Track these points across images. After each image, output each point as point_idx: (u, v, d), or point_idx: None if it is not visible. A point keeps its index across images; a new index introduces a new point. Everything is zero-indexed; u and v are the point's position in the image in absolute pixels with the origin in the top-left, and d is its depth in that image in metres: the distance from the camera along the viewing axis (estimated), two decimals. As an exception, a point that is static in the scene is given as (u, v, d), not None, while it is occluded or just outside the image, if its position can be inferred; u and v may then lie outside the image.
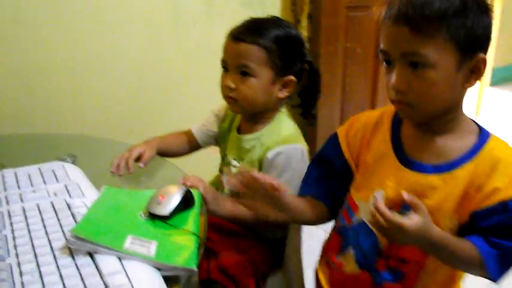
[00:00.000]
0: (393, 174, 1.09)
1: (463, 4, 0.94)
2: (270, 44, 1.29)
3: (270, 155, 1.31)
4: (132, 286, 0.78)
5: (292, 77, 1.34)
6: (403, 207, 0.97)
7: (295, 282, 1.45)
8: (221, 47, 1.35)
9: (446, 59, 0.95)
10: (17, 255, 0.86)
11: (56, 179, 1.18)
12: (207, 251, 1.31)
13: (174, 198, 1.01)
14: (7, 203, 1.06)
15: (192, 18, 2.17)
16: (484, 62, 0.98)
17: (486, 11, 0.98)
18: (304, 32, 2.26)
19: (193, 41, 2.19)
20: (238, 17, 1.37)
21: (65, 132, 1.86)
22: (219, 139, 1.51)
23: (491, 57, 4.08)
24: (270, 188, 1.03)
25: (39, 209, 1.03)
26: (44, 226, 0.96)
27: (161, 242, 0.91)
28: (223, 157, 1.47)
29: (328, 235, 1.27)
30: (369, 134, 1.16)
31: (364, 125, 1.18)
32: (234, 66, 1.31)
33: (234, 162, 1.41)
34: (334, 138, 1.23)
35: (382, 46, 1.01)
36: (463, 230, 1.05)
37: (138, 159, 1.33)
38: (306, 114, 1.48)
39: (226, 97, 1.35)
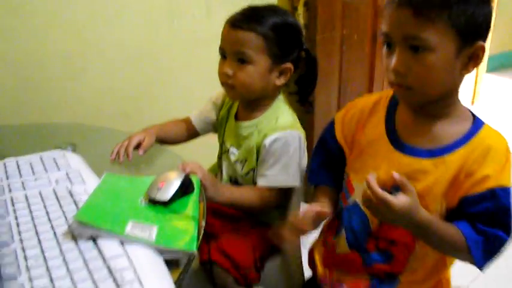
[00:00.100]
0: (386, 157, 1.12)
1: None
2: (268, 31, 1.30)
3: (267, 141, 1.33)
4: (134, 269, 0.80)
5: (289, 65, 1.36)
6: (394, 188, 1.00)
7: (293, 267, 1.47)
8: (219, 36, 1.36)
9: (446, 44, 0.97)
10: (21, 240, 0.88)
11: (57, 167, 1.20)
12: (207, 235, 1.33)
13: (174, 184, 1.03)
14: (10, 190, 1.08)
15: (190, 7, 2.17)
16: (483, 49, 1.01)
17: (487, 0, 1.00)
18: (300, 20, 2.26)
19: (190, 30, 2.19)
20: (236, 6, 1.38)
21: (64, 122, 1.87)
22: (217, 126, 1.52)
23: (488, 44, 4.09)
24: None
25: (41, 196, 1.04)
26: (47, 213, 0.98)
27: (161, 227, 0.93)
28: (222, 144, 1.49)
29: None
30: (365, 117, 1.19)
31: (361, 109, 1.21)
32: (231, 54, 1.32)
33: (232, 149, 1.43)
34: (331, 123, 1.26)
35: (384, 29, 1.03)
36: (452, 215, 1.07)
37: (137, 146, 1.35)
38: (303, 102, 1.49)
39: (224, 84, 1.36)
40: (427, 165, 1.07)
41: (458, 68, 1.01)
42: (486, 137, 1.06)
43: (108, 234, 0.88)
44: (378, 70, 2.64)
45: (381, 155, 1.13)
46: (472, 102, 4.17)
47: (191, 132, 1.55)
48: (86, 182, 1.12)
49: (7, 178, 1.14)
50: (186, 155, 1.36)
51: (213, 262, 1.28)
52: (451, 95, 1.07)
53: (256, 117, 1.40)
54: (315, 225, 1.16)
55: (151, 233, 0.91)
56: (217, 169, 1.51)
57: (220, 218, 1.40)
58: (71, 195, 1.05)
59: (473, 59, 1.01)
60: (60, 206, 1.00)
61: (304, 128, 1.39)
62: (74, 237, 0.88)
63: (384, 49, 1.04)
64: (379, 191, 0.96)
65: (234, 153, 1.42)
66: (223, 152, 1.47)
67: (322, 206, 1.19)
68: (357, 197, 1.17)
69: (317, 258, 1.29)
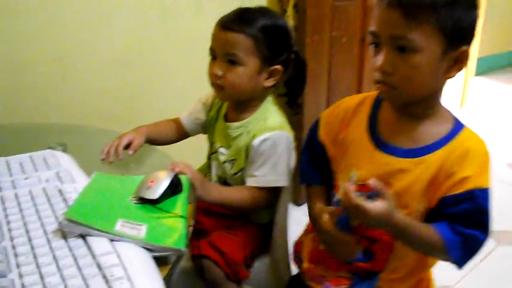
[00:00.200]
0: (367, 156, 1.14)
1: None
2: (258, 33, 1.32)
3: (256, 142, 1.34)
4: (124, 266, 0.81)
5: (278, 66, 1.37)
6: (374, 193, 1.03)
7: (282, 267, 1.49)
8: (209, 36, 1.37)
9: (432, 47, 0.99)
10: (11, 238, 0.89)
11: (48, 166, 1.21)
12: (198, 231, 1.36)
13: (163, 183, 1.04)
14: (0, 189, 1.08)
15: (180, 7, 2.18)
16: (467, 54, 1.03)
17: (474, 7, 1.03)
18: (290, 22, 2.28)
19: (181, 31, 2.21)
20: (226, 6, 1.39)
21: (54, 122, 1.88)
22: (206, 127, 1.54)
23: (476, 47, 4.14)
24: None
25: (31, 195, 1.05)
26: (37, 211, 0.98)
27: (151, 225, 0.94)
28: (211, 145, 1.50)
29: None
30: (349, 117, 1.21)
31: (345, 108, 1.23)
32: (221, 55, 1.34)
33: (222, 150, 1.44)
34: (316, 122, 1.28)
35: (372, 28, 1.05)
36: (432, 215, 1.09)
37: (127, 146, 1.35)
38: (291, 103, 1.51)
39: (214, 84, 1.37)
40: (407, 165, 1.09)
41: (443, 71, 1.04)
42: (466, 139, 1.08)
43: (97, 232, 0.89)
44: (366, 72, 2.67)
45: (363, 154, 1.15)
46: (461, 105, 4.21)
47: (181, 133, 1.55)
48: (76, 181, 1.13)
49: (-3, 177, 1.15)
50: (175, 155, 1.37)
51: (205, 256, 1.30)
52: (434, 96, 1.10)
53: (246, 118, 1.41)
54: None
55: (141, 231, 0.92)
56: (206, 169, 1.53)
57: (211, 216, 1.41)
58: (61, 193, 1.05)
59: (457, 63, 1.04)
60: (50, 205, 1.01)
61: (293, 129, 1.41)
62: (64, 235, 0.89)
63: (371, 48, 1.06)
64: (355, 198, 0.99)
65: (224, 153, 1.43)
66: (212, 153, 1.48)
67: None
68: (341, 194, 1.19)
69: (304, 253, 1.31)
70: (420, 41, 0.98)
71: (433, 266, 1.22)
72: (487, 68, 5.17)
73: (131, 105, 2.15)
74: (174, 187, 1.07)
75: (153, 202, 1.02)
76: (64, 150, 1.33)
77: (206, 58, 1.39)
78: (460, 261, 1.08)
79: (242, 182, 1.39)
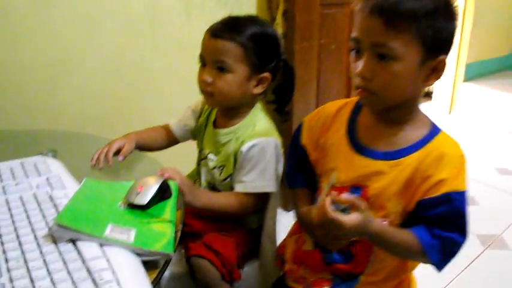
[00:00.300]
0: (346, 160, 1.17)
1: (434, 8, 1.02)
2: (247, 41, 1.33)
3: (244, 148, 1.36)
4: (113, 270, 0.83)
5: (267, 74, 1.39)
6: (351, 191, 1.09)
7: (269, 271, 1.50)
8: (198, 43, 1.38)
9: (411, 55, 1.02)
10: (2, 243, 0.90)
11: (38, 172, 1.22)
12: (191, 233, 1.38)
13: (152, 189, 1.06)
14: (-10, 195, 1.09)
15: (170, 15, 2.19)
16: (444, 63, 1.06)
17: (453, 18, 1.06)
18: (279, 29, 2.29)
19: (170, 38, 2.22)
20: (215, 14, 1.41)
21: (45, 128, 1.88)
22: (196, 133, 1.55)
23: (465, 53, 4.18)
24: None
25: (22, 201, 1.06)
26: (28, 216, 1.00)
27: (140, 230, 0.96)
28: (200, 151, 1.52)
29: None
30: (329, 121, 1.24)
31: (327, 113, 1.26)
32: (211, 62, 1.35)
33: (211, 156, 1.45)
34: (299, 127, 1.31)
35: (354, 34, 1.07)
36: (411, 218, 1.12)
37: (117, 152, 1.36)
38: (280, 111, 1.53)
39: (203, 91, 1.39)
40: (384, 167, 1.12)
41: (421, 79, 1.07)
42: (441, 143, 1.11)
43: (87, 237, 0.90)
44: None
45: (342, 158, 1.18)
46: (450, 110, 4.24)
47: (170, 139, 1.57)
48: (66, 187, 1.14)
49: (-12, 183, 1.16)
50: (165, 161, 1.38)
51: (201, 257, 1.31)
52: (412, 102, 1.13)
53: (234, 124, 1.42)
54: None
55: (130, 235, 0.93)
56: (196, 175, 1.54)
57: (203, 219, 1.43)
58: (52, 199, 1.07)
59: (435, 72, 1.07)
60: (41, 210, 1.02)
61: (282, 136, 1.43)
62: (54, 240, 0.91)
63: (352, 53, 1.09)
64: (330, 212, 1.01)
65: (213, 159, 1.45)
66: (201, 159, 1.50)
67: None
68: (322, 197, 1.22)
69: (287, 254, 1.33)
70: (400, 49, 1.01)
71: (414, 268, 1.24)
72: (475, 73, 5.22)
73: (121, 111, 2.16)
74: (163, 193, 1.09)
75: (142, 207, 1.04)
76: (55, 156, 1.34)
77: (196, 65, 1.40)
78: (439, 263, 1.11)
79: (231, 188, 1.41)
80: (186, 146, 1.60)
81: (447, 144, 1.12)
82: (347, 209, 1.03)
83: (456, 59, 4.08)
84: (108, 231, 0.93)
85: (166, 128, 1.57)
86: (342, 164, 1.18)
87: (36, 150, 1.36)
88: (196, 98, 1.52)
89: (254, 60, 1.35)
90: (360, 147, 1.17)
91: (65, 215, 0.95)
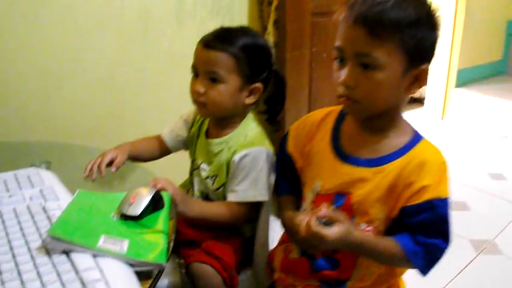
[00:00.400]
0: (329, 167, 1.19)
1: (417, 18, 1.03)
2: (239, 52, 1.34)
3: (236, 157, 1.37)
4: (106, 281, 0.84)
5: (259, 84, 1.40)
6: (335, 198, 1.11)
7: (262, 280, 1.51)
8: (191, 53, 1.39)
9: (394, 64, 1.04)
10: (-4, 255, 0.91)
11: (32, 184, 1.23)
12: (188, 242, 1.38)
13: (145, 200, 1.07)
14: (-16, 208, 1.10)
15: (162, 25, 2.21)
16: (426, 72, 1.08)
17: (436, 28, 1.08)
18: (270, 38, 2.31)
19: (163, 48, 2.24)
20: (207, 24, 1.42)
21: (38, 139, 1.89)
22: (188, 144, 1.56)
23: (457, 59, 4.21)
24: None
25: (15, 213, 1.07)
26: (21, 228, 1.01)
27: (133, 240, 0.97)
28: (193, 161, 1.52)
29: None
30: (314, 129, 1.26)
31: (312, 121, 1.28)
32: (203, 72, 1.36)
33: (203, 166, 1.46)
34: (285, 135, 1.33)
35: (338, 43, 1.09)
36: (395, 225, 1.14)
37: (110, 163, 1.37)
38: (271, 121, 1.54)
39: (196, 101, 1.40)
40: (367, 174, 1.14)
41: (403, 87, 1.08)
42: (423, 150, 1.13)
43: (81, 248, 0.91)
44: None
45: (325, 165, 1.20)
46: (442, 116, 4.26)
47: (163, 150, 1.57)
48: (60, 199, 1.15)
49: (-18, 195, 1.17)
50: (158, 172, 1.39)
51: (202, 263, 1.32)
52: (395, 111, 1.15)
53: (227, 134, 1.43)
54: None
55: (123, 246, 0.94)
56: (189, 185, 1.55)
57: (200, 228, 1.44)
58: (45, 211, 1.08)
59: (418, 81, 1.09)
60: (34, 222, 1.03)
61: (273, 145, 1.43)
62: (48, 251, 0.91)
63: (336, 62, 1.10)
64: (313, 226, 1.03)
65: (205, 169, 1.46)
66: (194, 169, 1.51)
67: None
68: (307, 205, 1.24)
69: (276, 262, 1.34)
70: (383, 58, 1.02)
71: (402, 273, 1.26)
72: (467, 79, 5.25)
73: (114, 122, 2.17)
74: (156, 203, 1.10)
75: (135, 218, 1.05)
76: (48, 168, 1.35)
77: (188, 75, 1.41)
78: (423, 269, 1.13)
79: (224, 197, 1.41)
80: (178, 156, 1.61)
81: (428, 151, 1.14)
82: (328, 221, 1.05)
83: (448, 65, 4.10)
84: (101, 242, 0.94)
85: (159, 139, 1.57)
86: (326, 172, 1.19)
87: (29, 162, 1.36)
88: (188, 108, 1.53)
89: (246, 70, 1.36)
90: (343, 155, 1.18)
91: (58, 227, 0.96)
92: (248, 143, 1.39)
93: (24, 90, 1.93)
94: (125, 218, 1.05)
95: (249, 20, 2.39)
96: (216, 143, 1.44)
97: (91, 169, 1.34)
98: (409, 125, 1.18)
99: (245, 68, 1.36)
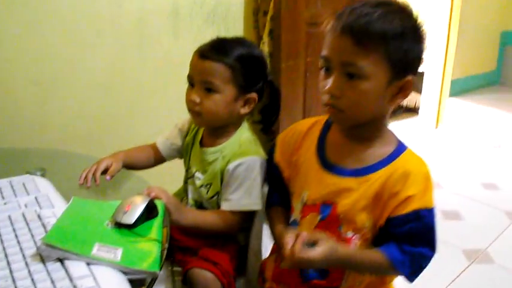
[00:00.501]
0: (315, 177, 1.20)
1: (402, 30, 1.05)
2: (234, 62, 1.35)
3: (231, 166, 1.38)
4: (100, 288, 0.85)
5: (254, 95, 1.41)
6: (321, 208, 1.14)
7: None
8: (186, 62, 1.40)
9: (379, 75, 1.06)
10: (-10, 262, 0.92)
11: (27, 191, 1.23)
12: (182, 249, 1.38)
13: (139, 208, 1.08)
14: (-20, 215, 1.11)
15: (158, 34, 2.22)
16: (411, 83, 1.10)
17: (421, 40, 1.10)
18: (266, 48, 2.33)
19: (158, 56, 2.25)
20: (203, 33, 1.43)
21: (33, 147, 1.89)
22: (182, 152, 1.57)
23: (451, 69, 4.23)
24: None
25: (10, 220, 1.08)
26: (16, 236, 1.01)
27: (126, 249, 0.98)
28: (187, 169, 1.53)
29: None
30: (300, 139, 1.28)
31: (299, 130, 1.30)
32: (199, 82, 1.37)
33: (198, 175, 1.47)
34: (273, 144, 1.35)
35: (324, 53, 1.10)
36: (382, 234, 1.15)
37: (104, 171, 1.38)
38: (266, 130, 1.55)
39: (191, 111, 1.41)
40: (352, 184, 1.15)
41: (388, 97, 1.10)
42: (406, 161, 1.15)
43: (75, 256, 0.92)
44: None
45: (311, 175, 1.21)
46: (437, 125, 4.28)
47: (157, 158, 1.58)
48: (55, 206, 1.16)
49: (-23, 203, 1.17)
50: (152, 180, 1.40)
51: (201, 269, 1.33)
52: (380, 120, 1.16)
53: (221, 143, 1.44)
54: None
55: (117, 254, 0.95)
56: (183, 193, 1.55)
57: (196, 236, 1.44)
58: (40, 218, 1.09)
59: (402, 91, 1.10)
60: (29, 229, 1.04)
61: (267, 155, 1.45)
62: (42, 259, 0.92)
63: (322, 71, 1.12)
64: (297, 252, 1.04)
65: (200, 178, 1.47)
66: (188, 177, 1.51)
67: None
68: (295, 215, 1.25)
69: (267, 272, 1.35)
70: (369, 68, 1.04)
71: (392, 281, 1.27)
72: (461, 89, 5.27)
73: (109, 130, 2.18)
74: (150, 212, 1.11)
75: (129, 226, 1.05)
76: (43, 175, 1.35)
77: (183, 84, 1.42)
78: (410, 277, 1.15)
79: (218, 206, 1.42)
80: (173, 165, 1.62)
81: (412, 161, 1.15)
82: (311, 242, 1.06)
83: (442, 75, 4.12)
84: (95, 250, 0.95)
85: (153, 147, 1.58)
86: (312, 182, 1.21)
87: (24, 169, 1.37)
88: (184, 116, 1.54)
89: (241, 81, 1.37)
90: (328, 165, 1.20)
91: (53, 235, 0.97)
92: (242, 152, 1.39)
93: (20, 97, 1.93)
94: (119, 226, 1.06)
95: (245, 30, 2.40)
96: (211, 152, 1.45)
97: (86, 177, 1.35)
98: (393, 134, 1.20)
99: (240, 78, 1.37)
